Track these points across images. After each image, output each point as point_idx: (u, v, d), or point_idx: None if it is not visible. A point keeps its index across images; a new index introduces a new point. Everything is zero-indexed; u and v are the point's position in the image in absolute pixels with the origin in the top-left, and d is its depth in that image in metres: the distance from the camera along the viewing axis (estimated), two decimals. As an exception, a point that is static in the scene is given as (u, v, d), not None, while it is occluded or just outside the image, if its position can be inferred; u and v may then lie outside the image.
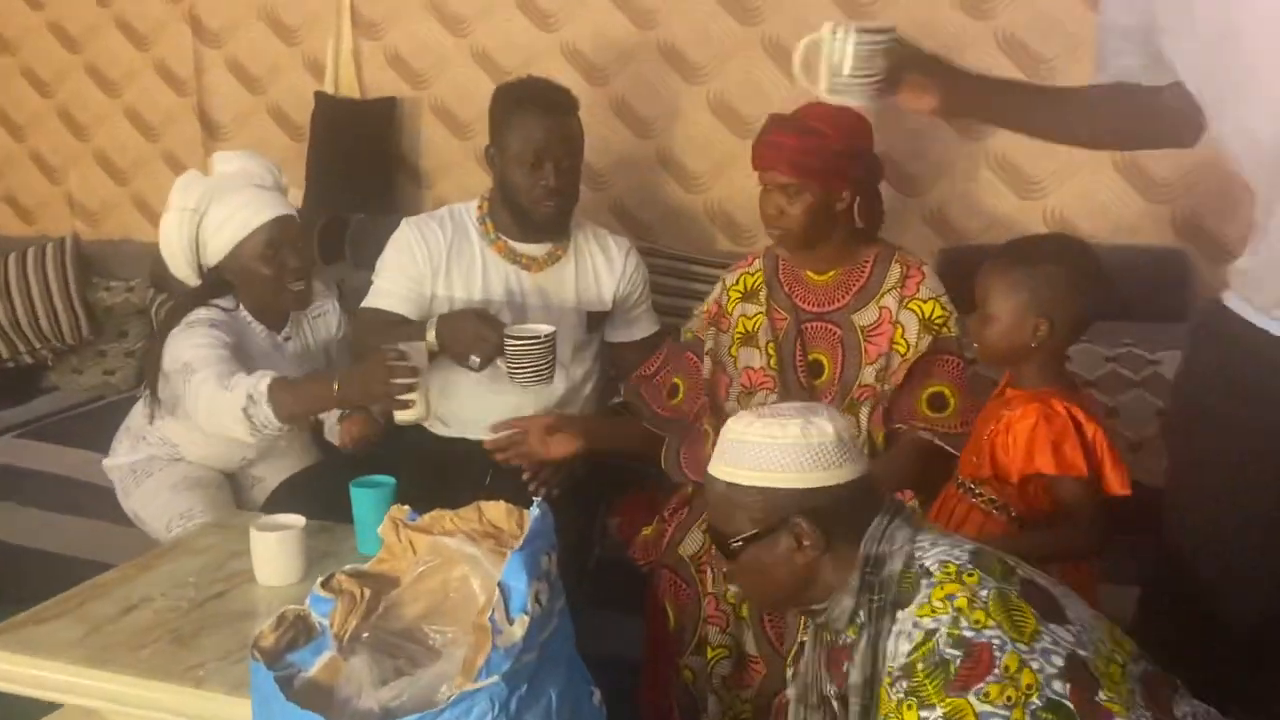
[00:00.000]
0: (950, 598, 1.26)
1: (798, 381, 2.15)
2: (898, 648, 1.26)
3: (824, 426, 1.38)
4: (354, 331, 2.38)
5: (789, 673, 1.79)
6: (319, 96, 3.17)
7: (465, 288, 2.30)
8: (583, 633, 1.56)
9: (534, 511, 1.35)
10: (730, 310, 2.25)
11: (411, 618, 1.39)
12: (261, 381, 2.03)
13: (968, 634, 1.21)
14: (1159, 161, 2.56)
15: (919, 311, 2.11)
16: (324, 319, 2.44)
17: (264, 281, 2.24)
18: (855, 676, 1.33)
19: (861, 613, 1.34)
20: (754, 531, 1.39)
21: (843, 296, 2.16)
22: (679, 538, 2.03)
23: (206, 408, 2.07)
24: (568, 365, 2.34)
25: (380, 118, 3.13)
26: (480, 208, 2.35)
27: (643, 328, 2.45)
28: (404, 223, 2.35)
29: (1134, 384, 2.36)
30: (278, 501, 2.23)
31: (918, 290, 2.12)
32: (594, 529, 2.29)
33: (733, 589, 1.91)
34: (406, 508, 1.47)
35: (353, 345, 2.40)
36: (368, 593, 1.35)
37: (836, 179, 2.07)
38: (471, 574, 1.35)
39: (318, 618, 1.34)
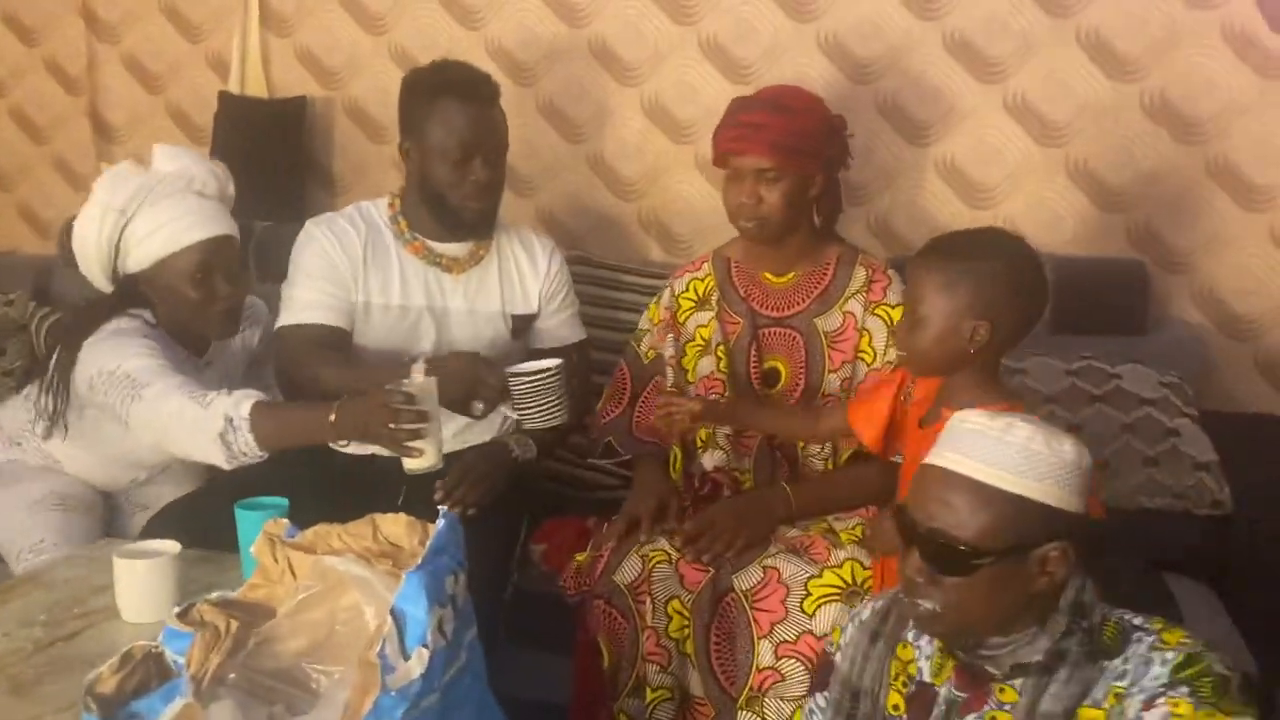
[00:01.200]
0: (1191, 637, 1.23)
1: (751, 390, 1.98)
2: (1144, 671, 1.19)
3: (1084, 450, 1.27)
4: (279, 357, 2.09)
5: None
6: (223, 96, 2.95)
7: (383, 293, 2.08)
8: (498, 673, 1.35)
9: (440, 523, 1.13)
10: (684, 320, 2.08)
11: (290, 655, 1.16)
12: (243, 404, 1.77)
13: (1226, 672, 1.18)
14: (1113, 171, 2.46)
15: (886, 318, 1.96)
16: (245, 335, 2.20)
17: (188, 305, 1.99)
18: (1045, 705, 1.23)
19: (1063, 661, 1.25)
20: (1008, 547, 1.23)
21: (803, 300, 2.01)
22: (615, 564, 1.82)
23: (169, 425, 1.81)
24: None
25: (289, 119, 2.91)
26: (392, 206, 2.14)
27: (568, 334, 2.25)
28: (310, 224, 2.12)
29: (1095, 398, 2.23)
30: (157, 530, 1.96)
31: (885, 295, 1.98)
32: (513, 555, 2.06)
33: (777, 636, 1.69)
34: (285, 522, 1.24)
35: (277, 374, 2.13)
36: (235, 625, 1.12)
37: (813, 161, 1.93)
38: (364, 601, 1.12)
39: (172, 656, 1.11)
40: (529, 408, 1.82)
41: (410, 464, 1.75)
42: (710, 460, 2.00)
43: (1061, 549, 1.23)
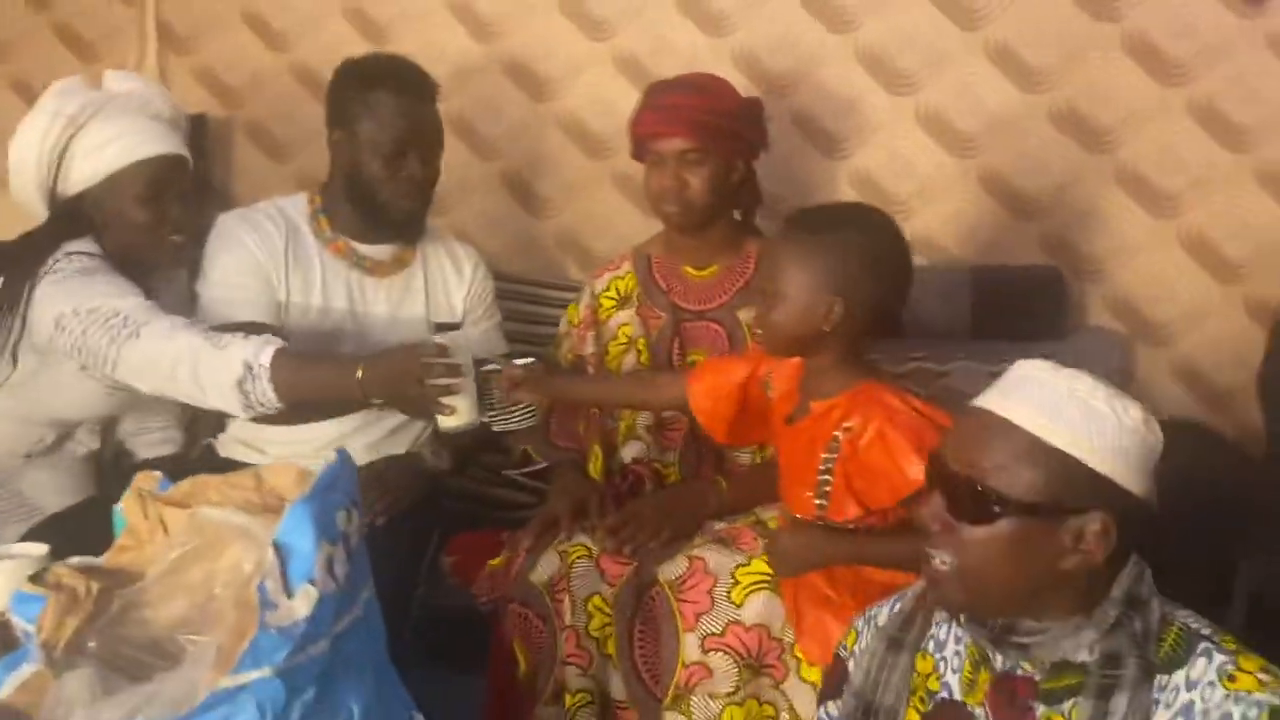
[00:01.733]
0: (1270, 672, 1.06)
1: None
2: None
3: (1156, 428, 1.13)
4: None
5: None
6: (116, 116, 2.82)
7: (303, 293, 1.96)
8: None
9: (332, 456, 1.01)
10: (605, 319, 2.01)
11: (163, 624, 1.03)
12: (264, 352, 1.65)
13: None
14: (1026, 180, 2.47)
15: None
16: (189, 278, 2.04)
17: (136, 229, 1.85)
18: None
19: (1125, 664, 1.10)
20: (1039, 502, 1.10)
21: (725, 293, 1.97)
22: (531, 563, 1.71)
23: (176, 366, 1.68)
24: None
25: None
26: (311, 203, 2.03)
27: (491, 346, 2.15)
28: (225, 218, 2.00)
29: (1018, 399, 2.20)
30: (38, 536, 1.78)
31: None
32: (420, 567, 1.93)
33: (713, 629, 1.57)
34: (158, 475, 1.11)
35: None
36: (96, 588, 0.98)
37: (733, 144, 1.90)
38: (246, 559, 1.00)
39: (20, 623, 0.97)
40: (502, 409, 1.73)
41: (446, 423, 1.68)
42: (630, 452, 1.91)
43: (1104, 522, 1.10)
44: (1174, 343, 2.45)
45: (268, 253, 1.94)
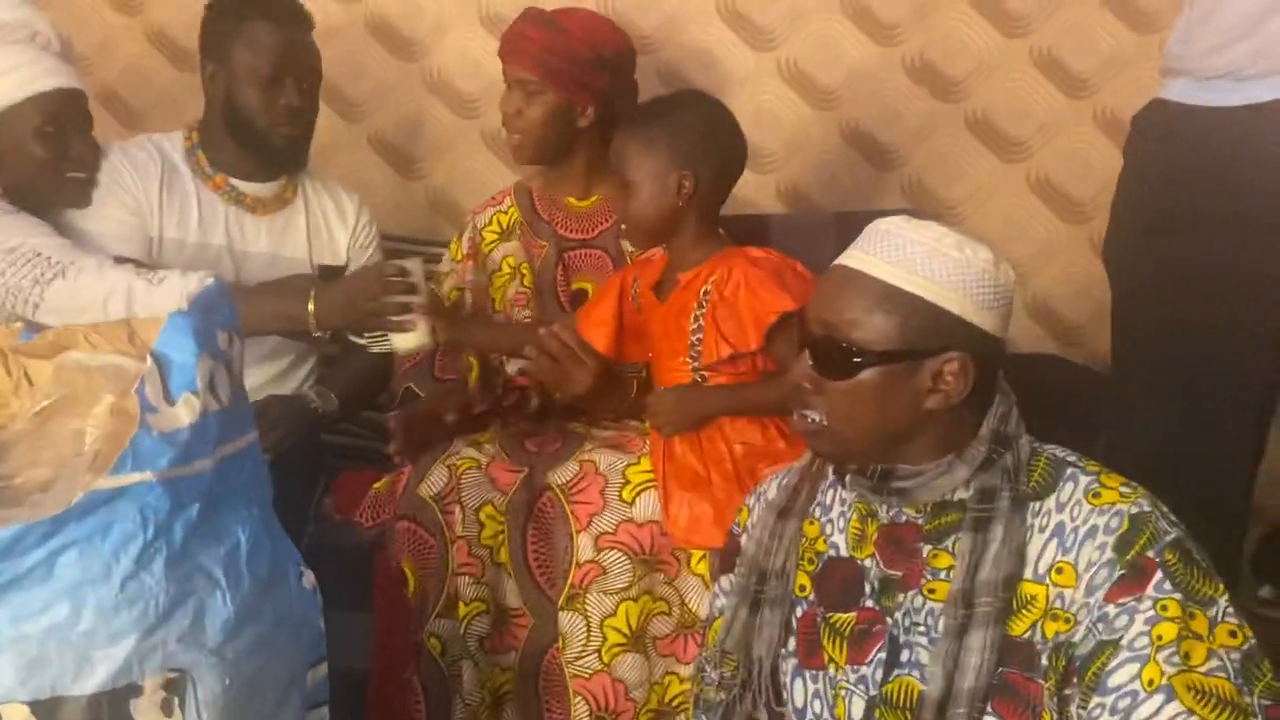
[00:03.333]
0: (1130, 486, 1.12)
1: (559, 308, 1.92)
2: (1076, 542, 1.09)
3: (1007, 269, 1.18)
4: None
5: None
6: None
7: (179, 228, 1.92)
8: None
9: (208, 282, 0.98)
10: (488, 252, 2.01)
11: (34, 489, 0.97)
12: (202, 285, 1.54)
13: (1169, 531, 1.08)
14: (884, 129, 2.57)
15: None
16: None
17: (35, 165, 1.78)
18: (984, 573, 1.12)
19: (999, 496, 1.14)
20: (898, 349, 1.13)
21: (606, 220, 2.00)
22: (418, 479, 1.69)
23: (108, 304, 1.63)
24: None
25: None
26: (188, 139, 1.99)
27: None
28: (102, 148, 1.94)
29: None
30: None
31: None
32: (307, 508, 1.88)
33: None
34: (18, 325, 1.04)
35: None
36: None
37: (580, 88, 1.90)
38: (120, 403, 0.95)
39: None
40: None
41: (403, 342, 1.68)
42: (515, 366, 1.90)
43: (960, 361, 1.15)
44: (1028, 282, 2.58)
45: (141, 185, 1.90)
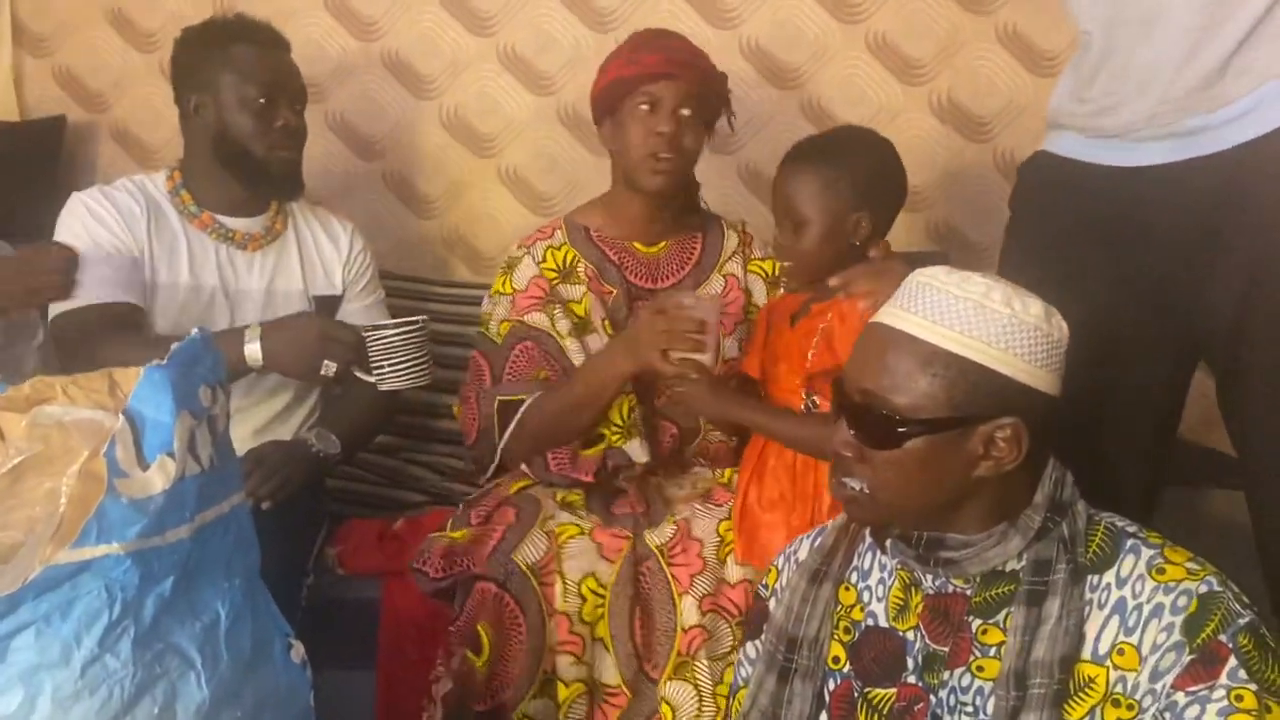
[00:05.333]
0: (1197, 562, 1.03)
1: None
2: (1139, 622, 1.01)
3: (1060, 322, 1.09)
4: (63, 353, 1.80)
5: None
6: (-34, 120, 2.64)
7: (170, 271, 1.84)
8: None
9: (194, 333, 0.91)
10: (552, 289, 1.85)
11: (6, 549, 0.89)
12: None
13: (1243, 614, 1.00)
14: (912, 174, 2.50)
15: (762, 272, 1.90)
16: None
17: None
18: (1039, 651, 1.03)
19: (1055, 568, 1.06)
20: (946, 417, 1.04)
21: (679, 270, 1.88)
22: (514, 541, 1.55)
23: None
24: None
25: (43, 140, 2.63)
26: (171, 180, 1.92)
27: (375, 320, 2.04)
28: (79, 196, 1.87)
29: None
30: None
31: (753, 251, 1.92)
32: (309, 558, 1.80)
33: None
34: (-12, 379, 0.97)
35: (65, 361, 1.81)
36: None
37: (715, 113, 1.83)
38: (93, 470, 0.87)
39: None
40: (393, 365, 1.66)
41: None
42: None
43: (1014, 426, 1.05)
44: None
45: (128, 229, 1.82)
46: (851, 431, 1.10)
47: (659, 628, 1.51)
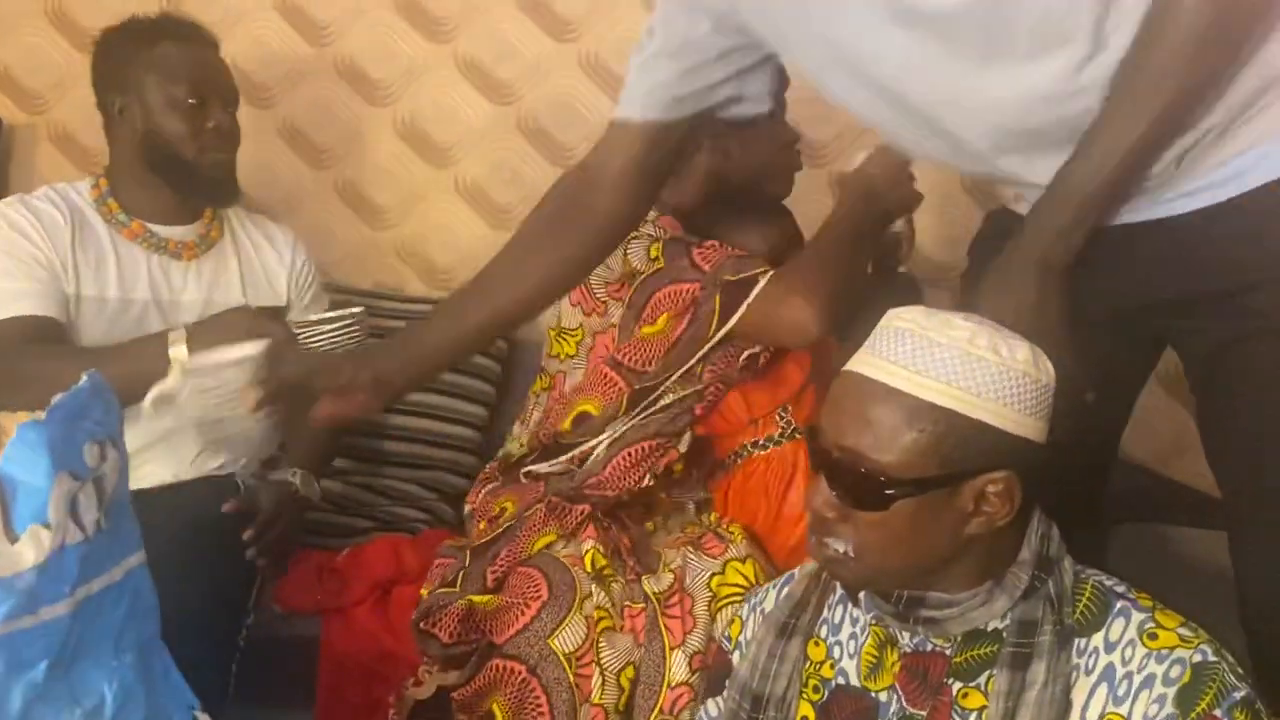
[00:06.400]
0: (1190, 628, 0.97)
1: None
2: (1130, 691, 0.95)
3: (1047, 364, 1.01)
4: None
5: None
6: (-106, 124, 2.53)
7: (97, 284, 1.74)
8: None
9: (82, 380, 0.82)
10: None
11: None
12: None
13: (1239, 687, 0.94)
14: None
15: None
16: None
17: None
18: (1023, 718, 0.98)
19: (1041, 630, 1.00)
20: (935, 475, 0.97)
21: None
22: (550, 626, 1.43)
23: None
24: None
25: (-23, 144, 2.52)
26: (96, 188, 1.82)
27: None
28: None
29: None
30: None
31: None
32: (250, 593, 1.70)
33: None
34: None
35: None
36: None
37: None
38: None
39: None
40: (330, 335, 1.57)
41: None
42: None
43: (1005, 481, 0.99)
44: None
45: (49, 240, 1.71)
46: (833, 490, 1.03)
47: (642, 680, 1.43)
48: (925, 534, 1.00)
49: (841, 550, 1.02)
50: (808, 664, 1.14)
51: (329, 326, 1.58)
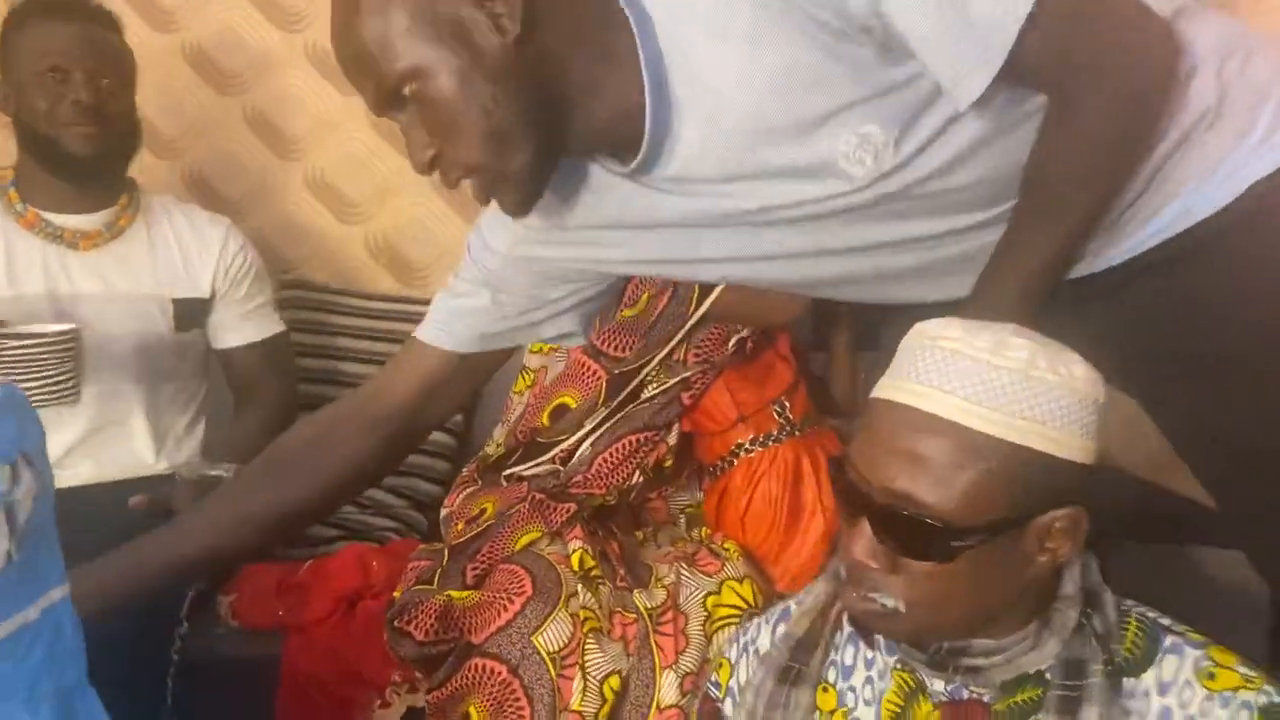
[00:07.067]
0: (1249, 665, 0.90)
1: None
2: None
3: (1098, 377, 0.89)
4: None
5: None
6: None
7: None
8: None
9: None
10: None
11: None
12: None
13: None
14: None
15: None
16: None
17: None
18: None
19: (1089, 671, 0.89)
20: (1001, 518, 0.85)
21: None
22: (535, 623, 1.35)
23: None
24: (143, 376, 1.75)
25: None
26: (2, 177, 1.76)
27: (261, 326, 1.92)
28: None
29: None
30: None
31: None
32: (177, 604, 1.56)
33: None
34: None
35: None
36: None
37: None
38: None
39: None
40: (24, 381, 1.49)
41: None
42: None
43: (1072, 517, 0.88)
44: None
45: None
46: (879, 540, 0.90)
47: (630, 699, 1.34)
48: (987, 583, 0.89)
49: (890, 605, 0.90)
50: (817, 715, 1.02)
51: (16, 342, 1.53)
